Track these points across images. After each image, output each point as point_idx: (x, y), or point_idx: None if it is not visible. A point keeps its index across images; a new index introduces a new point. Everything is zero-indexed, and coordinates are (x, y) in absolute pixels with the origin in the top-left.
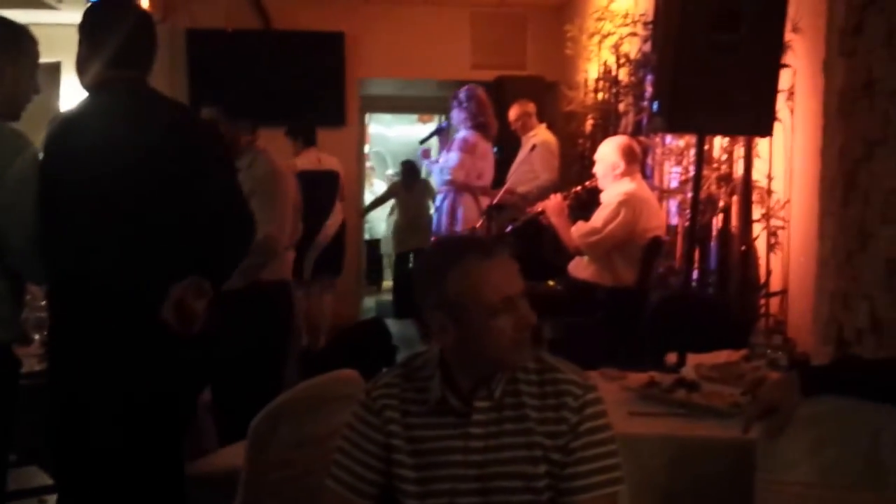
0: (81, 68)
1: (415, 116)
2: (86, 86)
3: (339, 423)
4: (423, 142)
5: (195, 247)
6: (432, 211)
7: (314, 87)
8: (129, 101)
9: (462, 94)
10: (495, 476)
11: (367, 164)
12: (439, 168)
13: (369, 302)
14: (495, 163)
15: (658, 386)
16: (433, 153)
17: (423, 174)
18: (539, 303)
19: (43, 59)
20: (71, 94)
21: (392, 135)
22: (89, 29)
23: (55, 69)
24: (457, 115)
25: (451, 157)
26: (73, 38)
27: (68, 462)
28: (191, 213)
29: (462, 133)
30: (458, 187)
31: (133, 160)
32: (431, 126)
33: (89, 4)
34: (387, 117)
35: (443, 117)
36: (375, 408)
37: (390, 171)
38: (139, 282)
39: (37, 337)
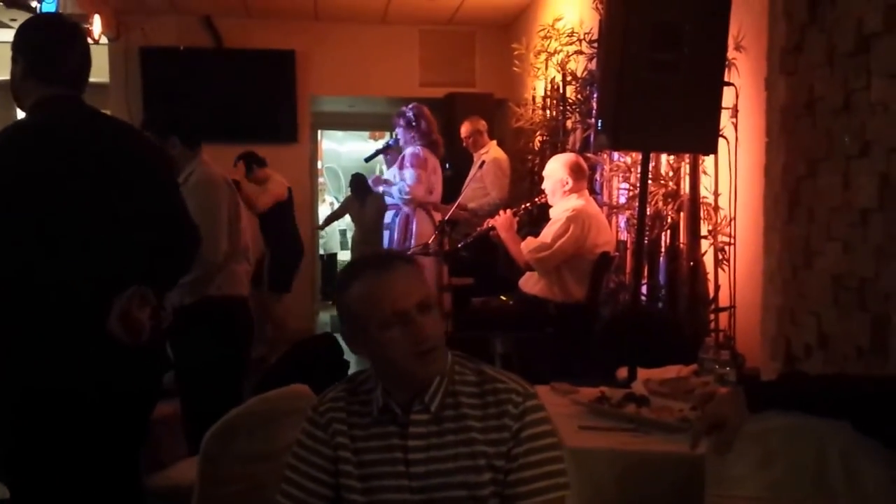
0: (17, 88)
1: (366, 133)
2: (23, 106)
3: (291, 438)
4: (368, 159)
5: (138, 257)
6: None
7: (266, 104)
8: (68, 118)
9: (410, 113)
10: (440, 487)
11: (321, 179)
12: (398, 188)
13: (325, 317)
14: (446, 179)
15: (608, 400)
16: (381, 170)
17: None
18: (491, 317)
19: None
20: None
21: (344, 151)
22: (24, 49)
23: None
24: (404, 133)
25: (408, 173)
26: None
27: (20, 474)
28: (131, 225)
29: (412, 149)
30: (415, 203)
31: (74, 176)
32: (381, 143)
33: (21, 23)
34: (339, 134)
35: (393, 133)
36: (322, 422)
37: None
38: (82, 294)
39: None
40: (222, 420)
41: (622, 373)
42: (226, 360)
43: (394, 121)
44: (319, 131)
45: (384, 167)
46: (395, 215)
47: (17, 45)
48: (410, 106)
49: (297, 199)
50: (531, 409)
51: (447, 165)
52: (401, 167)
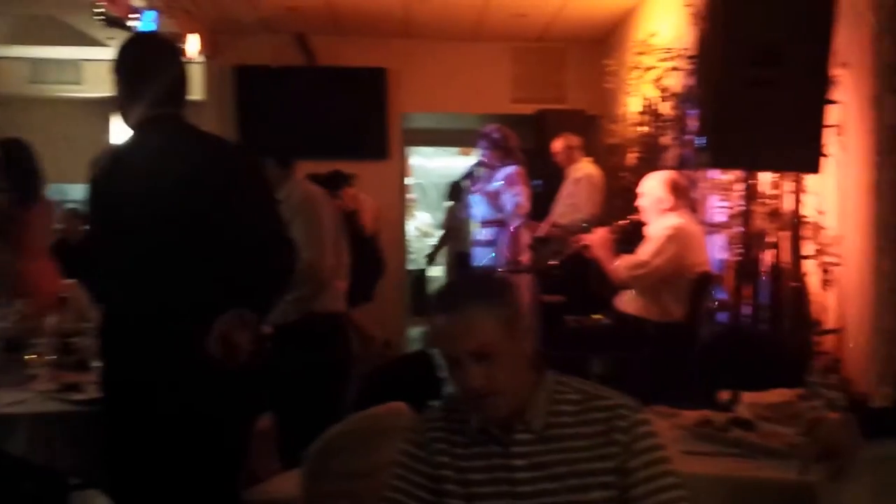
0: (122, 108)
1: (455, 148)
2: (128, 124)
3: (389, 456)
4: (460, 182)
5: (238, 278)
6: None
7: (357, 121)
8: (170, 137)
9: (496, 135)
10: None
11: (410, 195)
12: (511, 203)
13: (414, 332)
14: (536, 196)
15: (712, 424)
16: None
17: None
18: (586, 337)
19: (93, 94)
20: (121, 128)
21: (433, 166)
22: (124, 69)
23: (105, 104)
24: (490, 153)
25: (517, 190)
26: None
27: (124, 488)
28: (233, 245)
29: (512, 168)
30: (524, 220)
31: (175, 195)
32: (472, 159)
33: (122, 44)
34: (428, 150)
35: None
36: (422, 441)
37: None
38: (183, 315)
39: (96, 364)
40: (324, 437)
41: (724, 396)
42: (325, 375)
43: (478, 142)
44: (409, 148)
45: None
46: (499, 232)
47: (118, 66)
48: (494, 127)
49: (387, 215)
50: (641, 423)
51: (536, 182)
52: (504, 185)
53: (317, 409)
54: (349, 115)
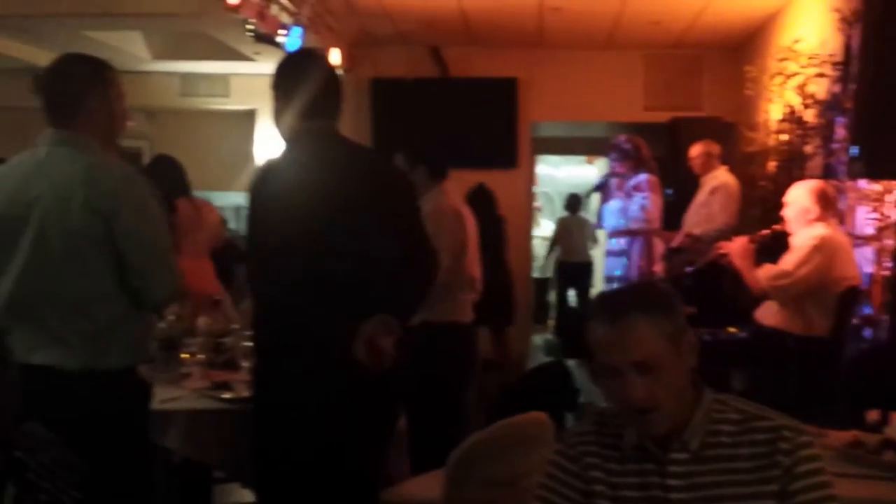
0: (278, 120)
1: (582, 157)
2: (283, 137)
3: (530, 465)
4: (590, 194)
5: (383, 286)
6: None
7: (487, 130)
8: (322, 149)
9: (627, 145)
10: None
11: (535, 204)
12: (638, 209)
13: (538, 340)
14: (668, 205)
15: (864, 446)
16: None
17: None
18: (721, 351)
19: (240, 107)
20: (265, 138)
21: (560, 175)
22: (281, 83)
23: (251, 116)
24: (620, 163)
25: (649, 198)
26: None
27: (270, 484)
28: (380, 253)
29: (644, 175)
30: (654, 229)
31: (326, 205)
32: (597, 166)
33: (280, 60)
34: (555, 158)
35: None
36: (573, 454)
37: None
38: (331, 320)
39: (245, 364)
40: (467, 444)
41: (872, 416)
42: (441, 383)
43: (608, 152)
44: (536, 156)
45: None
46: (632, 242)
47: (275, 83)
48: (625, 138)
49: (515, 223)
50: (805, 445)
51: (668, 192)
52: (634, 192)
53: (443, 414)
54: (479, 124)
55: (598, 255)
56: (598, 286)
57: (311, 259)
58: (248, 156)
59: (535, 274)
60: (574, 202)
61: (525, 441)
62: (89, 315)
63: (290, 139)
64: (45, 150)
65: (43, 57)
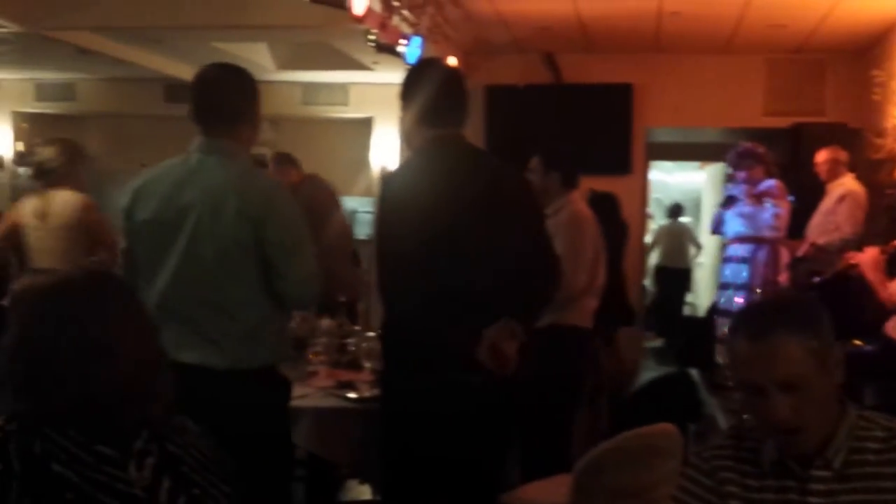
0: (405, 129)
1: (696, 163)
2: (410, 146)
3: (657, 477)
4: (725, 204)
5: (507, 292)
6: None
7: (601, 137)
8: (450, 157)
9: (760, 150)
10: None
11: (648, 210)
12: (769, 216)
13: (649, 349)
14: (791, 213)
15: None
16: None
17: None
18: (852, 364)
19: (358, 115)
20: (381, 145)
21: (673, 181)
22: (409, 93)
23: (368, 123)
24: (750, 169)
25: (779, 204)
26: (384, 95)
27: (395, 482)
28: (504, 260)
29: (772, 181)
30: (781, 236)
31: (454, 213)
32: (708, 171)
33: (407, 71)
34: (668, 164)
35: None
36: (707, 469)
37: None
38: (458, 326)
39: (367, 365)
40: (594, 452)
41: None
42: (556, 386)
43: (729, 158)
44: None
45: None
46: (756, 249)
47: (403, 94)
48: (748, 144)
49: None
50: None
51: (790, 199)
52: (764, 199)
53: (555, 421)
54: (593, 130)
55: (706, 262)
56: (701, 293)
57: (440, 266)
58: (365, 162)
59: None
60: (677, 208)
61: (653, 452)
62: (237, 317)
63: (418, 148)
64: (196, 157)
65: (173, 67)
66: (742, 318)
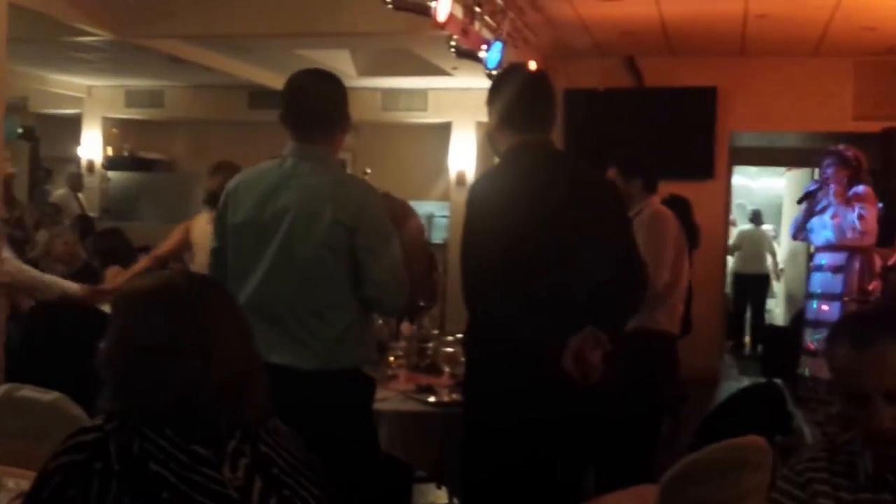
0: (491, 137)
1: (781, 168)
2: (497, 151)
3: (745, 490)
4: (800, 201)
5: (594, 299)
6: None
7: (683, 141)
8: (539, 163)
9: (849, 153)
10: None
11: (730, 216)
12: (852, 221)
13: (730, 359)
14: (880, 220)
15: None
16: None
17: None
18: None
19: (437, 120)
20: (459, 150)
21: (756, 187)
22: (492, 99)
23: (447, 128)
24: (836, 173)
25: (869, 209)
26: (463, 100)
27: (477, 494)
28: (590, 267)
29: (863, 187)
30: (869, 245)
31: (538, 218)
32: (787, 178)
33: (496, 77)
34: (751, 169)
35: (814, 171)
36: (801, 482)
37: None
38: (540, 331)
39: (447, 369)
40: (682, 464)
41: None
42: (651, 394)
43: (823, 160)
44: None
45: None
46: (848, 257)
47: (490, 99)
48: (843, 147)
49: (710, 236)
50: None
51: (879, 205)
52: (853, 203)
53: (637, 427)
54: (675, 135)
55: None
56: (780, 300)
57: (525, 273)
58: (442, 167)
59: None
60: (757, 214)
61: (742, 465)
62: (327, 320)
63: (504, 153)
64: (290, 162)
65: (256, 74)
66: (845, 327)
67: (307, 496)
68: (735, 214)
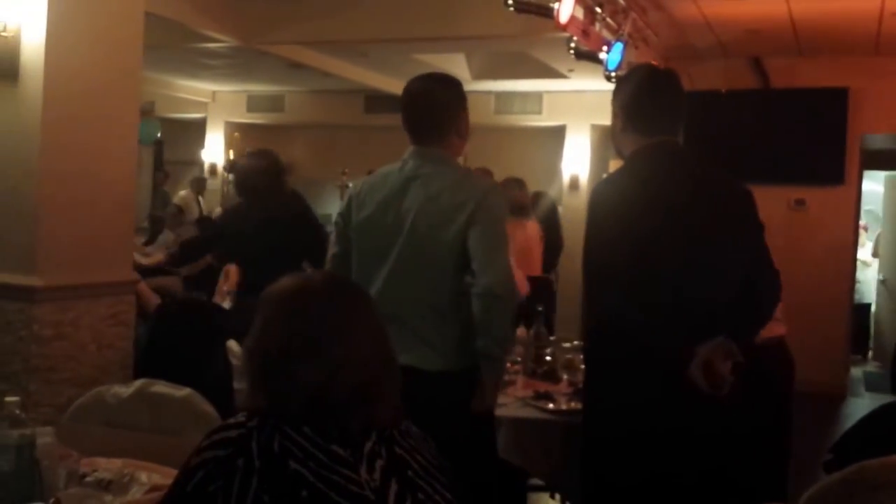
0: (617, 139)
1: None
2: (622, 154)
3: None
4: None
5: (727, 307)
6: None
7: (811, 144)
8: (667, 166)
9: None
10: None
11: (861, 223)
12: None
13: (856, 372)
14: None
15: None
16: None
17: None
18: None
19: (551, 123)
20: (573, 153)
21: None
22: (618, 101)
23: (562, 131)
24: None
25: None
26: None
27: (595, 500)
28: (721, 274)
29: None
30: None
31: (672, 224)
32: None
33: (621, 78)
34: (882, 174)
35: None
36: None
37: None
38: (667, 340)
39: (565, 376)
40: (821, 485)
41: None
42: (782, 407)
43: None
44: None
45: None
46: None
47: (615, 100)
48: None
49: (838, 244)
50: None
51: None
52: None
53: (761, 444)
54: (802, 138)
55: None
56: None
57: (651, 279)
58: (556, 170)
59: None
60: None
61: (879, 487)
62: (450, 320)
63: (630, 157)
64: (411, 165)
65: (372, 78)
66: None
67: (441, 500)
68: (866, 221)
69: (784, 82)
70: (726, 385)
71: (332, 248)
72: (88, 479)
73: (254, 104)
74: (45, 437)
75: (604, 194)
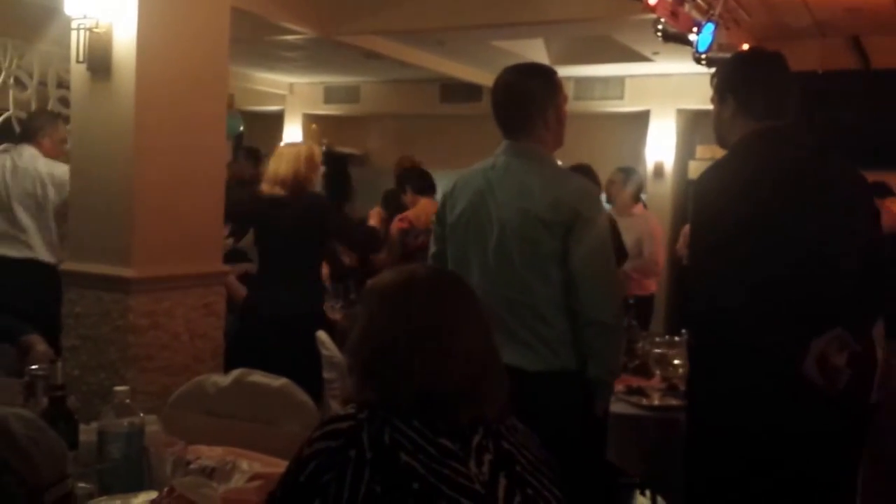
0: (723, 126)
1: None
2: (725, 144)
3: None
4: None
5: (842, 298)
6: None
7: None
8: (776, 152)
9: None
10: None
11: None
12: None
13: None
14: None
15: None
16: None
17: None
18: None
19: (634, 108)
20: (657, 140)
21: None
22: (730, 86)
23: (645, 116)
24: None
25: None
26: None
27: (697, 497)
28: (836, 263)
29: None
30: None
31: (782, 212)
32: None
33: (727, 61)
34: None
35: None
36: None
37: None
38: (779, 332)
39: (657, 372)
40: None
41: None
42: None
43: None
44: None
45: None
46: None
47: (723, 85)
48: None
49: None
50: None
51: None
52: None
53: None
54: None
55: None
56: None
57: (761, 269)
58: (639, 158)
59: None
60: None
61: None
62: (549, 322)
63: (736, 143)
64: (502, 160)
65: (448, 67)
66: None
67: (549, 497)
68: None
69: (886, 62)
70: (843, 378)
71: (431, 248)
72: (192, 466)
73: (331, 95)
74: (152, 425)
75: (713, 180)
